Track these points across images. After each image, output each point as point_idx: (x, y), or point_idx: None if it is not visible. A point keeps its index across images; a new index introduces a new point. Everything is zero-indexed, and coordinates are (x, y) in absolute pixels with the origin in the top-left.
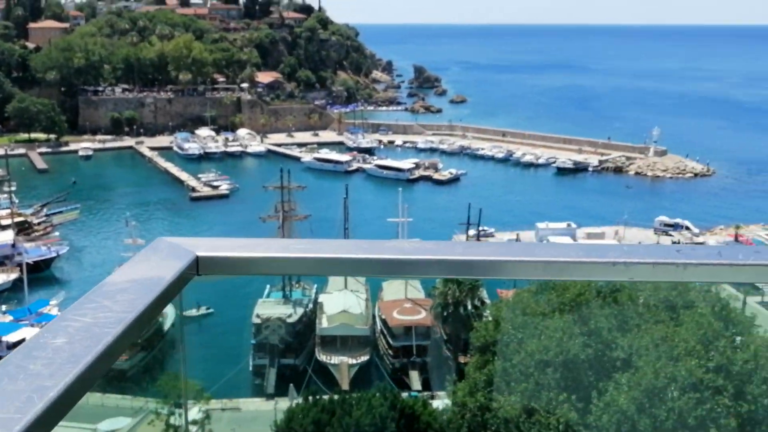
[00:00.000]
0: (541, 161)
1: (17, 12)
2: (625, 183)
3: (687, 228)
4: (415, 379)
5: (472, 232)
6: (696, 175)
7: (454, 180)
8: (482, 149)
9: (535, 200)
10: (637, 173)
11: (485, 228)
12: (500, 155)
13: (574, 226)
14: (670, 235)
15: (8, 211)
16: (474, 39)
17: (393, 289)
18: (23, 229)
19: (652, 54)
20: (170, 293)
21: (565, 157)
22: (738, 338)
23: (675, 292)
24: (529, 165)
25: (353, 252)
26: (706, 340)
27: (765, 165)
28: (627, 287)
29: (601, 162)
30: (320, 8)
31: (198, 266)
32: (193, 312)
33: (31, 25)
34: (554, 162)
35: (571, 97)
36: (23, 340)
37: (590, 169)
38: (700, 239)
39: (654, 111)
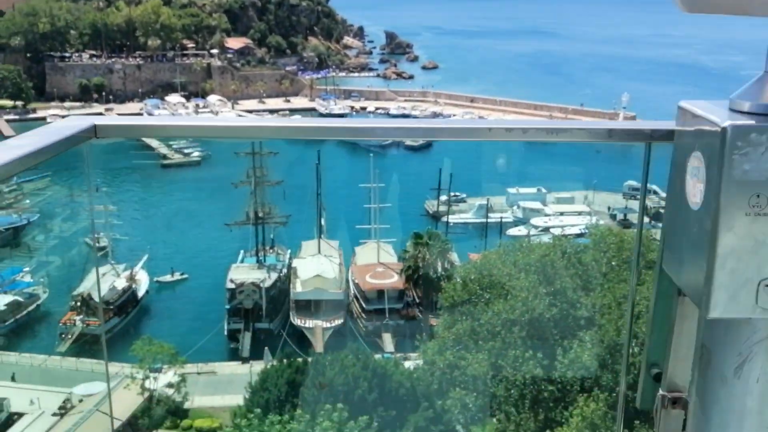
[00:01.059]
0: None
1: None
2: (595, 148)
3: (655, 192)
4: (387, 341)
5: (443, 197)
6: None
7: (426, 146)
8: (454, 116)
9: (504, 166)
10: None
11: (457, 193)
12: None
13: (544, 191)
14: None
15: None
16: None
17: (366, 253)
18: None
19: (622, 21)
20: (62, 146)
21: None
22: None
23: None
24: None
25: (231, 122)
26: None
27: None
28: (592, 248)
29: None
30: None
31: (96, 131)
32: (168, 278)
33: None
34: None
35: (542, 63)
36: None
37: None
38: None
39: (623, 77)
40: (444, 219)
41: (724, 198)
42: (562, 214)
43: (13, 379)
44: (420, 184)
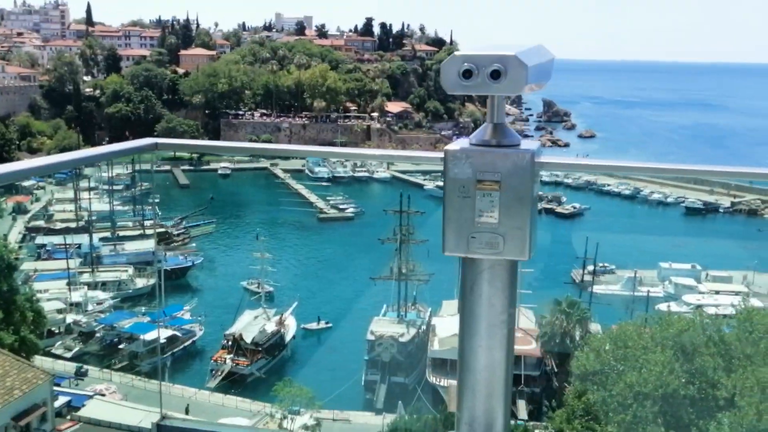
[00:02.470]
0: (669, 200)
1: (171, 40)
2: (758, 226)
3: None
4: (522, 408)
5: (590, 267)
6: None
7: (577, 214)
8: (608, 185)
9: (659, 239)
10: None
11: (605, 264)
12: (627, 192)
13: (698, 267)
14: None
15: (152, 221)
16: (606, 75)
17: None
18: (164, 238)
19: None
20: (127, 152)
21: (695, 197)
22: None
23: None
24: (657, 203)
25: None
26: None
27: None
28: (736, 327)
29: (733, 204)
30: (452, 42)
31: (157, 146)
32: (314, 325)
33: (182, 52)
34: (683, 201)
35: (705, 135)
36: (158, 339)
37: (721, 210)
38: None
39: None
40: (589, 289)
41: None
42: (717, 292)
43: (187, 411)
44: (568, 252)
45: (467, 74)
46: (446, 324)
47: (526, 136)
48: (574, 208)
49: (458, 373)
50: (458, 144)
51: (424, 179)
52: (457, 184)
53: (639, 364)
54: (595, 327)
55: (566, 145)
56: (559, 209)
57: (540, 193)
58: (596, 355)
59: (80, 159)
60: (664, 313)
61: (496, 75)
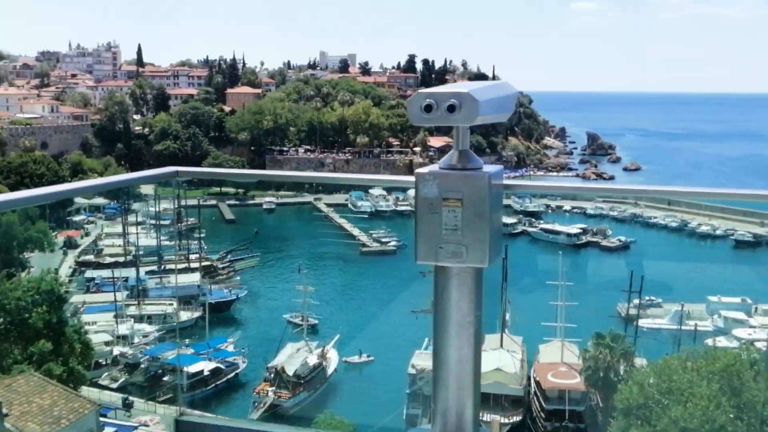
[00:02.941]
0: (718, 233)
1: (217, 79)
2: None
3: None
4: None
5: (636, 300)
6: None
7: (623, 247)
8: (655, 218)
9: (708, 272)
10: None
11: (652, 298)
12: (674, 224)
13: (749, 301)
14: None
15: (197, 255)
16: (651, 107)
17: (549, 351)
18: (209, 272)
19: None
20: (149, 179)
21: (745, 230)
22: None
23: None
24: (705, 236)
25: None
26: None
27: None
28: None
29: None
30: (495, 76)
31: (177, 174)
32: (356, 359)
33: (229, 90)
34: (732, 234)
35: (755, 167)
36: (201, 371)
37: None
38: None
39: None
40: (635, 323)
41: None
42: None
43: None
44: (613, 285)
45: (428, 108)
46: (489, 358)
47: (570, 170)
48: (620, 241)
49: (433, 370)
50: (428, 168)
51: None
52: (427, 201)
53: (684, 398)
54: (640, 361)
55: (611, 178)
56: (604, 242)
57: (584, 226)
58: (640, 388)
59: (103, 185)
60: (709, 347)
61: (451, 109)
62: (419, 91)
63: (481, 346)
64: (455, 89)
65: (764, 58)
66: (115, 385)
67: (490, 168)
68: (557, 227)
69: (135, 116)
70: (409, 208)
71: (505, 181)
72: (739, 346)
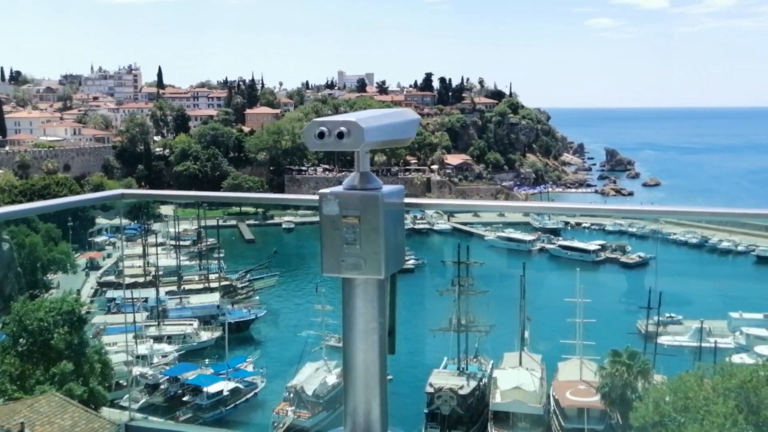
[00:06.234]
0: (739, 248)
1: (237, 100)
2: None
3: None
4: None
5: (655, 317)
6: None
7: (642, 264)
8: (674, 234)
9: (729, 289)
10: None
11: (672, 315)
12: (694, 240)
13: None
14: None
15: (217, 275)
16: (668, 122)
17: (568, 369)
18: (228, 292)
19: None
20: (96, 200)
21: (767, 245)
22: None
23: None
24: (726, 252)
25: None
26: None
27: None
28: None
29: None
30: (512, 94)
31: (123, 196)
32: None
33: (248, 111)
34: (754, 250)
35: None
36: (221, 391)
37: None
38: None
39: None
40: (655, 340)
41: None
42: None
43: None
44: (633, 302)
45: (321, 135)
46: (508, 376)
47: (588, 186)
48: (640, 257)
49: (343, 374)
50: (330, 189)
51: (486, 230)
52: (329, 219)
53: (700, 416)
54: (660, 378)
55: (630, 194)
56: (624, 258)
57: (603, 242)
58: (656, 406)
59: (52, 206)
60: (726, 363)
61: (341, 135)
62: (313, 120)
63: (385, 350)
64: (345, 118)
65: None
66: (135, 406)
67: (388, 188)
68: (576, 244)
69: (155, 137)
70: (426, 226)
71: (406, 200)
72: (756, 361)
